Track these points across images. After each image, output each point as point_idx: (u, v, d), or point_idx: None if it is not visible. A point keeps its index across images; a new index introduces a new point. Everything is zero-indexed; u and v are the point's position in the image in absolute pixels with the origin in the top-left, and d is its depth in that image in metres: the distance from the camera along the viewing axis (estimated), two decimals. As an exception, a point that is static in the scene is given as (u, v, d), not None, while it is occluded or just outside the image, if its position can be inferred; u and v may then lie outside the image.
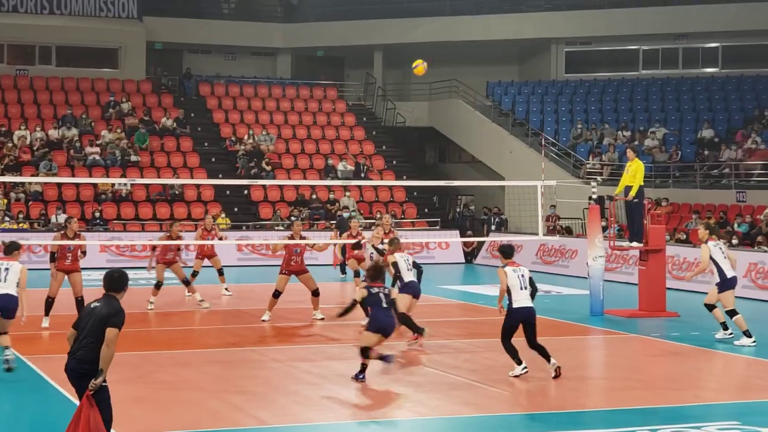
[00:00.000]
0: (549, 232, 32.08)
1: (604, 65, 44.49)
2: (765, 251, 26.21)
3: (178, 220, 28.21)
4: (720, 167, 35.31)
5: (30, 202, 34.27)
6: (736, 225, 29.78)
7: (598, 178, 31.96)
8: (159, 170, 36.96)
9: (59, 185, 35.01)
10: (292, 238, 20.07)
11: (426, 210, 39.02)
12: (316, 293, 19.85)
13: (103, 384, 9.07)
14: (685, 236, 29.85)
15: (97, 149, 37.02)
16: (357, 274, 23.50)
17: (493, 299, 23.41)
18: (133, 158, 37.13)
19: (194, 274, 23.61)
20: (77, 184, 35.13)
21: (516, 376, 14.11)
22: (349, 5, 45.77)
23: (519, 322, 14.18)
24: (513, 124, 41.02)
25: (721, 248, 17.78)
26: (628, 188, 21.21)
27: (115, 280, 9.38)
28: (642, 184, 21.10)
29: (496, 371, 14.92)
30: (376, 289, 14.09)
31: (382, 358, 13.85)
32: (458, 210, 40.52)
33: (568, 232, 34.19)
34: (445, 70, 44.00)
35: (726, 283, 17.66)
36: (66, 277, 18.82)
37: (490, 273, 29.02)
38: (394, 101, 44.89)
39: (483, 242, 34.61)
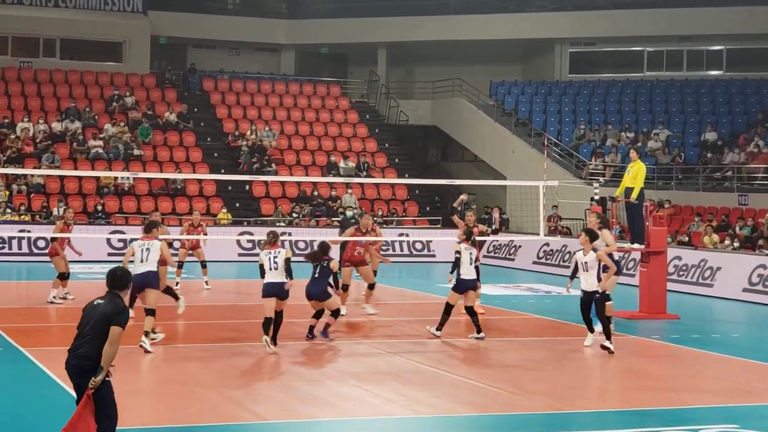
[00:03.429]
0: (550, 233, 32.05)
1: (608, 66, 44.47)
2: (767, 254, 26.19)
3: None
4: (723, 170, 35.30)
5: (32, 195, 34.28)
6: (738, 228, 29.77)
7: (601, 179, 31.94)
8: (161, 164, 36.96)
9: (62, 178, 35.03)
10: (359, 230, 20.32)
11: (428, 208, 39.02)
12: (371, 287, 20.34)
13: (107, 379, 9.02)
14: (687, 238, 29.84)
15: (100, 142, 37.03)
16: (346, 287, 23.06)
17: (494, 298, 23.46)
18: (136, 152, 37.15)
19: (179, 265, 24.19)
20: (80, 177, 35.16)
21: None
22: (354, 2, 45.79)
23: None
24: (516, 123, 41.01)
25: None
26: (629, 190, 21.18)
27: (119, 278, 9.33)
28: (642, 186, 21.08)
29: (495, 370, 14.93)
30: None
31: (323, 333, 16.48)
32: (459, 208, 40.43)
33: (570, 231, 34.16)
34: (448, 68, 44.05)
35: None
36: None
37: (490, 271, 29.02)
38: (397, 99, 44.89)
39: (484, 241, 34.53)
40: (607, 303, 16.85)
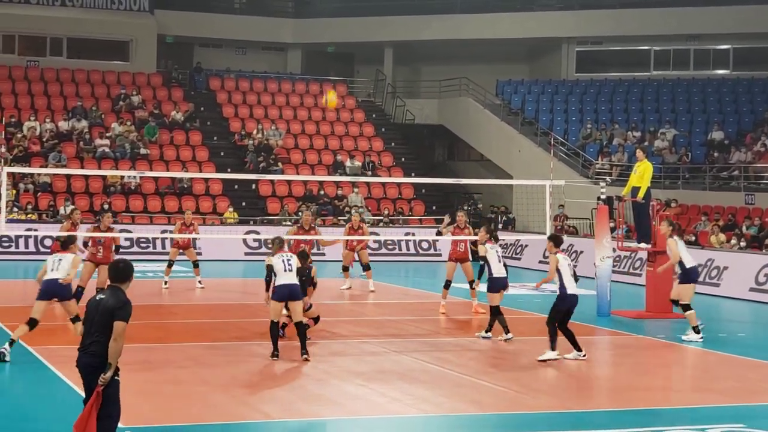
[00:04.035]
0: (556, 232, 32.01)
1: (614, 65, 44.42)
2: (773, 254, 26.16)
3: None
4: (729, 169, 35.25)
5: (39, 193, 34.33)
6: (744, 227, 29.73)
7: (607, 178, 31.85)
8: (168, 163, 36.99)
9: (68, 177, 35.08)
10: (457, 227, 21.18)
11: (434, 207, 39.00)
12: (472, 284, 20.70)
13: (116, 378, 9.01)
14: (693, 238, 29.79)
15: (107, 141, 37.07)
16: (346, 269, 25.06)
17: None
18: (143, 151, 37.18)
19: (170, 264, 24.43)
20: (86, 176, 35.20)
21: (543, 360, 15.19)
22: (360, 2, 45.78)
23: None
24: (522, 123, 40.97)
25: (678, 242, 18.67)
26: (635, 189, 21.16)
27: (120, 270, 9.28)
28: (649, 185, 21.06)
29: (501, 369, 14.92)
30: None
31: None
32: (466, 208, 40.44)
33: (576, 231, 34.13)
34: (455, 68, 44.01)
35: (688, 276, 18.41)
36: (96, 269, 19.79)
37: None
38: (403, 98, 44.88)
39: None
40: (687, 312, 17.71)
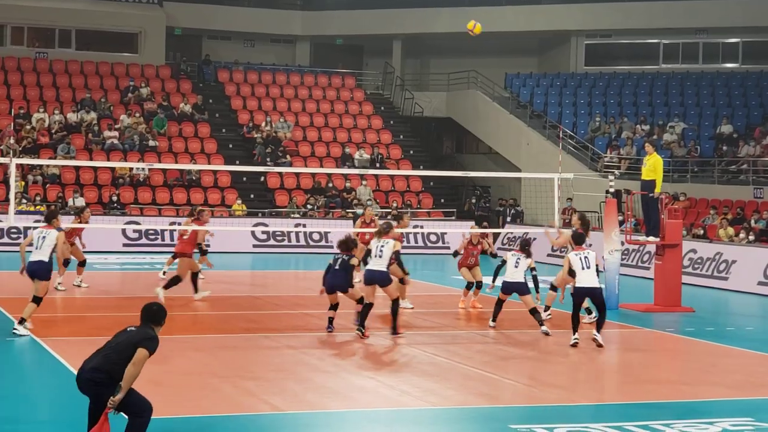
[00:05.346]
0: (565, 225, 31.97)
1: (624, 58, 44.37)
2: (782, 248, 26.12)
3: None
4: (738, 163, 35.20)
5: (47, 185, 34.39)
6: (753, 221, 29.70)
7: (616, 171, 31.82)
8: (176, 156, 37.05)
9: (77, 168, 35.15)
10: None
11: (442, 200, 39.02)
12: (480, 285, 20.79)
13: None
14: (702, 231, 29.76)
15: (116, 133, 37.13)
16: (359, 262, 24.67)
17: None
18: (151, 143, 37.23)
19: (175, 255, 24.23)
20: (95, 168, 35.28)
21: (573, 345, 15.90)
22: (369, -6, 45.78)
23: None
24: (531, 116, 40.94)
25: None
26: (645, 183, 21.15)
27: (154, 313, 9.32)
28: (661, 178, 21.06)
29: (509, 362, 14.94)
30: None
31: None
32: (473, 201, 40.46)
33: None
34: (463, 60, 43.98)
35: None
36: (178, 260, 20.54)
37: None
38: (412, 91, 44.86)
39: (498, 233, 34.54)
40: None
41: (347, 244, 16.66)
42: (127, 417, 9.11)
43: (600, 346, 15.95)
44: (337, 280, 16.46)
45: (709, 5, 41.70)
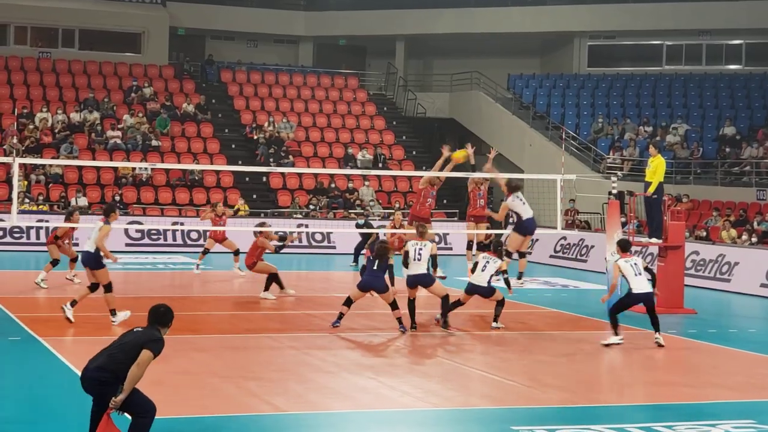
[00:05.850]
0: (567, 226, 31.99)
1: (627, 60, 44.36)
2: (784, 250, 26.09)
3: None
4: (741, 165, 35.18)
5: (50, 185, 34.41)
6: (756, 223, 29.66)
7: (619, 173, 31.84)
8: (179, 155, 37.06)
9: (80, 168, 35.17)
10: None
11: (444, 201, 38.99)
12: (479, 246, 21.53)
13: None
14: (705, 233, 29.74)
15: (119, 133, 37.15)
16: None
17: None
18: (154, 143, 37.25)
19: (205, 251, 25.69)
20: (98, 168, 35.29)
21: (607, 345, 16.09)
22: (372, -5, 45.80)
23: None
24: (534, 117, 40.94)
25: (521, 199, 21.37)
26: (647, 184, 21.15)
27: (162, 315, 9.35)
28: (662, 180, 21.03)
29: (511, 363, 14.93)
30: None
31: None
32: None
33: (587, 225, 34.10)
34: (466, 61, 44.00)
35: (520, 226, 21.00)
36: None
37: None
38: (415, 92, 44.87)
39: (500, 234, 34.46)
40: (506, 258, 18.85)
41: (383, 255, 16.76)
42: (130, 418, 9.11)
43: (661, 345, 16.31)
44: (377, 282, 16.78)
45: (712, 7, 41.69)
